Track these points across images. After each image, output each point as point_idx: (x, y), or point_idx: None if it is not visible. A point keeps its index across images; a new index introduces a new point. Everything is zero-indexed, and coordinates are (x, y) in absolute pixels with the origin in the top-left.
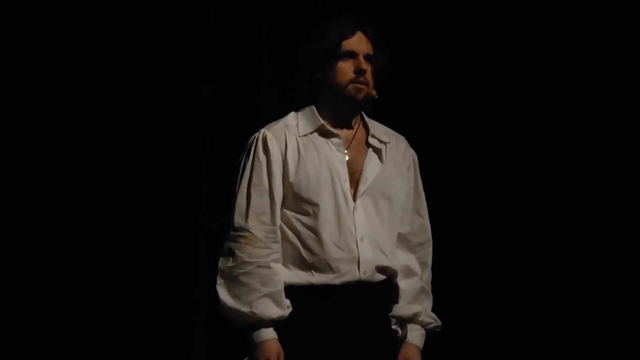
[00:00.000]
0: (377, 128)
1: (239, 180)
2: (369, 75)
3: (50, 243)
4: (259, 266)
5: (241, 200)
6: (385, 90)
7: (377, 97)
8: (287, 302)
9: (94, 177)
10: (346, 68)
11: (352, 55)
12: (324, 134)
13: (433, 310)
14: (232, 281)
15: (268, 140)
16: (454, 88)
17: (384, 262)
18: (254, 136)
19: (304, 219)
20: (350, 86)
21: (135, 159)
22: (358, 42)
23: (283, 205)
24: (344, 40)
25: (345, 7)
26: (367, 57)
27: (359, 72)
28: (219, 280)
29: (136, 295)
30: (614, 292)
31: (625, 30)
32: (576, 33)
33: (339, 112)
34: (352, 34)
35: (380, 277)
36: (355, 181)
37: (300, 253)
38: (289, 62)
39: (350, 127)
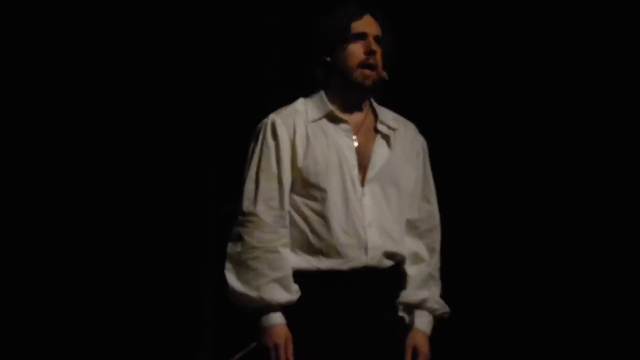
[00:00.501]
0: (385, 114)
1: (247, 166)
2: (378, 57)
3: (59, 235)
4: (267, 251)
5: (250, 185)
6: (395, 78)
7: (387, 78)
8: (295, 287)
9: (101, 167)
10: (356, 50)
11: (361, 36)
12: (333, 119)
13: (441, 296)
14: (241, 266)
15: (277, 126)
16: (463, 77)
17: (392, 247)
18: (262, 122)
19: (312, 204)
20: (359, 71)
21: (145, 148)
22: (367, 24)
23: (291, 190)
24: (353, 22)
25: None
26: (376, 39)
27: (370, 52)
28: (228, 265)
29: (146, 281)
30: (621, 274)
31: (626, 30)
32: (573, 23)
33: (348, 98)
34: (361, 16)
35: (388, 263)
36: (363, 167)
37: (308, 238)
38: (299, 47)
39: (359, 113)
